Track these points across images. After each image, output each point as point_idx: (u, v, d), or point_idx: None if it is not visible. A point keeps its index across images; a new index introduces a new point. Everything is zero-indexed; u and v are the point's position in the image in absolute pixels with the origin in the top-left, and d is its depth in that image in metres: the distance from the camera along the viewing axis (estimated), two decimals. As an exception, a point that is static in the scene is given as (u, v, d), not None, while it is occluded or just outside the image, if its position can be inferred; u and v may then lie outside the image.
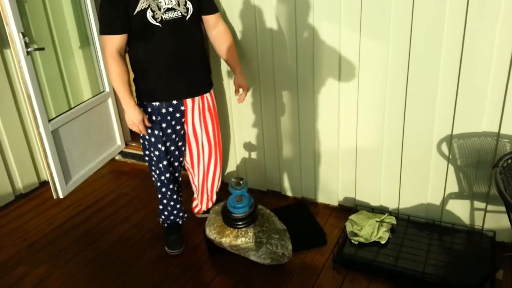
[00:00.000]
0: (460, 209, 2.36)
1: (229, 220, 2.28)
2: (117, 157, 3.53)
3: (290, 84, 2.52)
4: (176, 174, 2.40)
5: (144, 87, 2.13)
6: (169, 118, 2.20)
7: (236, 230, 2.27)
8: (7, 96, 2.91)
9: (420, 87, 2.19)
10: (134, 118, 2.08)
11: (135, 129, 2.12)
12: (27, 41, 2.48)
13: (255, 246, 2.22)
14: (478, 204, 2.31)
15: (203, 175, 2.54)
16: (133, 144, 3.52)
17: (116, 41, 1.97)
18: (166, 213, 2.44)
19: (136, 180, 3.23)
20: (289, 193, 2.86)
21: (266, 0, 2.38)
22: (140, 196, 3.02)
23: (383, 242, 2.30)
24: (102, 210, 2.88)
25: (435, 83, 2.15)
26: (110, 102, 3.28)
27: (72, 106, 3.02)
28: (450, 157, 2.27)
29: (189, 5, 2.05)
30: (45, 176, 3.23)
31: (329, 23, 2.27)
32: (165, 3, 1.99)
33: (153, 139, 2.23)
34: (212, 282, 2.21)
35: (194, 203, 2.70)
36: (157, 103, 2.15)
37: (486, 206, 2.29)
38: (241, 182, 2.22)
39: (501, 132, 2.10)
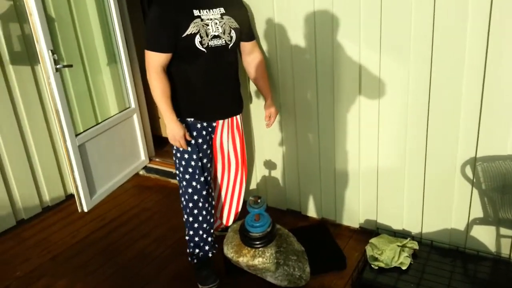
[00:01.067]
0: (485, 236, 2.28)
1: (246, 239, 2.27)
2: (141, 172, 3.59)
3: (310, 104, 2.52)
4: (211, 192, 2.34)
5: (181, 104, 2.15)
6: (204, 133, 2.22)
7: (253, 250, 2.26)
8: (37, 111, 3.02)
9: (443, 109, 2.15)
10: (176, 133, 2.09)
11: (176, 144, 2.13)
12: (56, 58, 2.58)
13: (272, 267, 2.21)
14: (504, 231, 2.22)
15: (226, 190, 2.54)
16: (157, 160, 3.58)
17: (162, 58, 2.02)
18: (197, 239, 2.31)
19: (158, 195, 3.28)
20: (309, 213, 2.83)
21: (286, 20, 2.40)
22: (161, 212, 3.06)
23: (404, 267, 2.23)
24: (124, 225, 2.93)
25: (457, 105, 2.10)
26: (136, 118, 3.35)
27: (99, 121, 3.11)
28: (474, 180, 2.20)
29: (233, 33, 2.12)
30: (71, 189, 3.32)
31: (349, 43, 2.27)
32: (213, 30, 2.05)
33: (186, 156, 2.21)
34: (228, 302, 2.21)
35: (217, 222, 2.70)
36: (192, 119, 2.18)
37: (514, 234, 2.21)
38: (259, 201, 2.21)
39: (529, 157, 2.03)
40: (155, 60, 2.02)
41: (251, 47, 2.31)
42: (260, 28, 2.51)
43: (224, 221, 2.65)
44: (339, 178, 2.62)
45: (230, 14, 2.12)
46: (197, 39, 2.01)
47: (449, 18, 1.99)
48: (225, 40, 2.09)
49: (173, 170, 3.38)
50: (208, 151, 2.26)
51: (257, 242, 2.25)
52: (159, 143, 3.77)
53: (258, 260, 2.24)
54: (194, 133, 2.19)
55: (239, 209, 2.63)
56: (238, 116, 2.36)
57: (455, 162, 2.22)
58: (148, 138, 3.55)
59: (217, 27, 2.06)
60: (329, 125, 2.51)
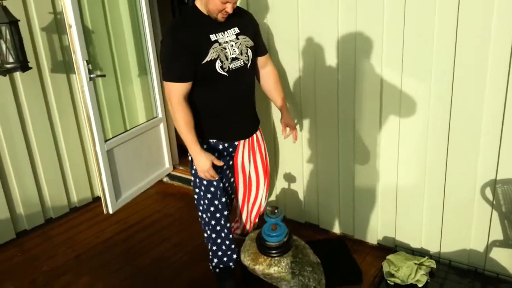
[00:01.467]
0: (505, 258, 2.25)
1: (263, 248, 2.31)
2: (165, 179, 3.69)
3: (331, 120, 2.57)
4: (230, 212, 2.36)
5: (204, 127, 2.12)
6: (225, 153, 2.21)
7: (269, 259, 2.29)
8: (69, 117, 3.18)
9: (463, 129, 2.16)
10: (203, 164, 2.04)
11: (206, 175, 2.07)
12: (91, 68, 2.72)
13: (287, 276, 2.23)
14: (525, 255, 2.19)
15: (247, 204, 2.52)
16: (181, 168, 3.68)
17: (185, 88, 1.97)
18: (220, 253, 2.34)
19: (180, 203, 3.36)
20: (327, 227, 2.85)
21: (309, 38, 2.47)
22: (183, 218, 3.14)
23: (420, 285, 2.21)
24: (146, 229, 3.02)
25: (478, 126, 2.11)
26: (162, 127, 3.47)
27: (128, 128, 3.24)
28: (494, 202, 2.18)
29: (249, 52, 2.10)
30: (98, 192, 3.44)
31: (371, 63, 2.32)
32: (231, 53, 2.02)
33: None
34: (243, 309, 2.25)
35: (235, 225, 2.68)
36: (214, 140, 2.16)
37: (535, 258, 2.17)
38: (276, 211, 2.26)
39: (551, 180, 2.01)
40: (177, 90, 1.96)
41: (264, 61, 2.27)
42: (284, 47, 2.59)
43: (239, 231, 2.67)
44: (358, 194, 2.63)
45: (245, 33, 2.09)
46: (218, 64, 1.98)
47: (471, 40, 2.01)
48: (243, 61, 2.07)
49: (196, 179, 3.48)
50: (228, 171, 2.27)
51: (273, 251, 2.29)
52: (183, 152, 3.86)
53: (273, 269, 2.27)
54: (216, 154, 2.16)
55: (257, 219, 2.64)
56: (257, 132, 2.34)
57: (475, 183, 2.21)
58: (173, 147, 3.66)
59: (233, 49, 2.03)
60: (349, 142, 2.54)
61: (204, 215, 2.30)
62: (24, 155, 2.95)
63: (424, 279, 2.24)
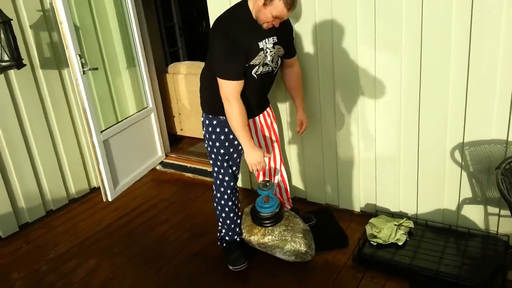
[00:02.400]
0: (475, 214, 2.50)
1: (257, 219, 2.51)
2: (158, 167, 3.85)
3: (313, 102, 2.76)
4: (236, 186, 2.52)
5: (217, 102, 2.20)
6: None
7: (263, 229, 2.50)
8: (63, 111, 3.30)
9: (432, 99, 2.39)
10: (258, 156, 2.21)
11: (258, 167, 2.25)
12: (83, 62, 2.85)
13: (280, 243, 2.45)
14: (491, 209, 2.44)
15: (281, 174, 2.69)
16: (173, 155, 3.84)
17: (241, 85, 2.12)
18: (228, 226, 2.52)
19: (174, 187, 3.53)
20: (314, 200, 3.07)
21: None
22: (178, 201, 3.31)
23: (400, 243, 2.46)
24: (145, 213, 3.19)
25: (445, 95, 2.34)
26: (153, 116, 3.62)
27: (119, 120, 3.38)
28: (463, 164, 2.43)
29: (279, 60, 2.26)
30: (94, 182, 3.59)
31: (347, 42, 2.52)
32: (264, 60, 2.17)
33: (222, 151, 2.36)
34: (243, 275, 2.45)
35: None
36: (225, 117, 2.24)
37: (500, 211, 2.42)
38: (267, 184, 2.46)
39: (509, 139, 2.26)
40: (236, 89, 2.10)
41: (292, 62, 2.41)
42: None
43: (288, 205, 2.82)
44: (341, 167, 2.85)
45: (280, 42, 2.21)
46: (255, 69, 2.15)
47: (435, 14, 2.22)
48: (272, 67, 2.23)
49: (187, 164, 3.68)
50: (239, 147, 2.37)
51: (267, 222, 2.49)
52: (173, 141, 4.05)
53: (268, 238, 2.48)
54: (226, 130, 2.30)
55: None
56: (267, 110, 2.51)
57: (445, 148, 2.45)
58: (164, 136, 3.81)
59: (267, 57, 2.17)
60: (330, 119, 2.75)
61: (218, 193, 2.48)
62: (23, 151, 3.07)
63: (404, 238, 2.48)
